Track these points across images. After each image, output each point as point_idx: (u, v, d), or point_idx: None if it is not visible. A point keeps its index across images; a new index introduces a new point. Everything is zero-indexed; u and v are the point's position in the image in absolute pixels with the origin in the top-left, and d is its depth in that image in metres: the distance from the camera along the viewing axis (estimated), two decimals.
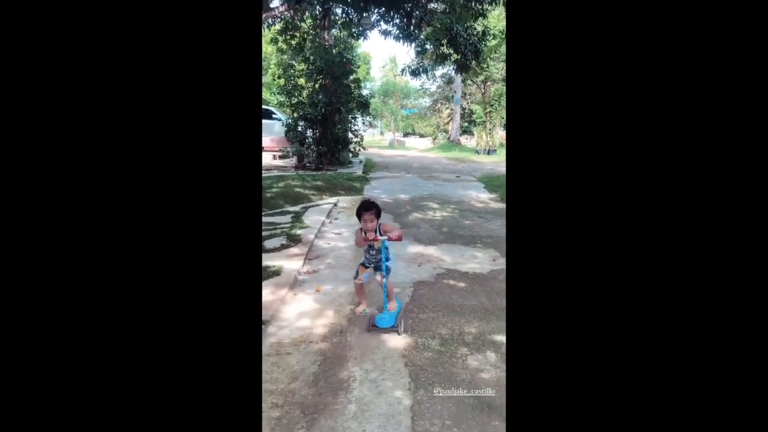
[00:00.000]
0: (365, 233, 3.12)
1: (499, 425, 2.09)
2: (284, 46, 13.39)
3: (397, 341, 2.87)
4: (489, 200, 8.41)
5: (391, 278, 3.18)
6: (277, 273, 3.91)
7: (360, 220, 3.18)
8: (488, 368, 2.59)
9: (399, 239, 3.15)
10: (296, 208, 6.82)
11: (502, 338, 2.94)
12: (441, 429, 2.07)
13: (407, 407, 2.23)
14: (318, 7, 12.20)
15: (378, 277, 3.18)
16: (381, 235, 3.10)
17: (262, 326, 2.97)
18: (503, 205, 7.81)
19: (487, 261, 4.62)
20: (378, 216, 3.15)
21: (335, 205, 7.28)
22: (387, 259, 3.14)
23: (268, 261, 4.18)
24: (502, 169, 13.46)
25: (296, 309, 3.36)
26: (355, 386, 2.40)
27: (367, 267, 3.27)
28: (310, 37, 13.15)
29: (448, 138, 27.01)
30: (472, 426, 2.09)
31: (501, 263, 4.52)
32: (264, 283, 3.67)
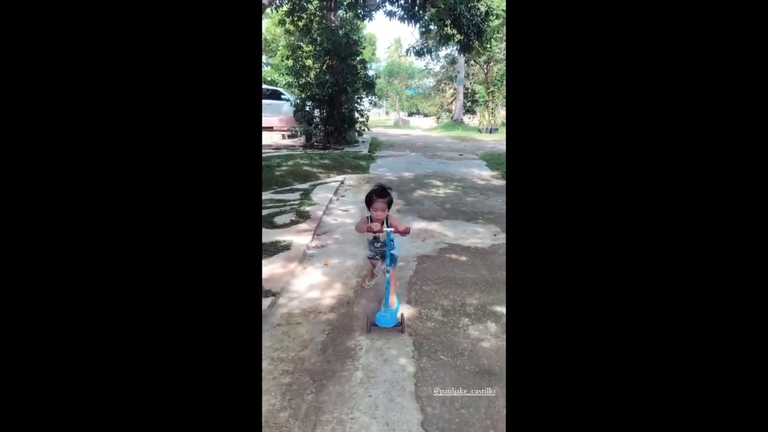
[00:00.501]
0: (371, 220, 2.79)
1: (499, 391, 2.12)
2: (291, 28, 13.20)
3: (402, 312, 2.88)
4: (491, 178, 8.36)
5: (395, 252, 2.91)
6: (287, 247, 3.93)
7: (369, 207, 2.81)
8: (488, 337, 2.61)
9: (406, 233, 2.73)
10: (305, 186, 6.81)
11: (502, 309, 2.95)
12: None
13: (411, 374, 2.25)
14: None
15: (382, 267, 2.87)
16: (387, 227, 2.75)
17: (274, 297, 3.00)
18: (505, 183, 7.77)
19: (488, 236, 4.62)
20: (389, 206, 2.80)
21: (342, 183, 7.27)
22: (392, 248, 2.80)
23: (279, 236, 4.20)
24: (503, 147, 13.34)
25: (306, 282, 3.38)
26: (362, 354, 2.42)
27: (377, 260, 3.03)
28: (317, 18, 12.94)
29: (452, 117, 26.76)
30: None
31: (502, 238, 4.51)
32: (274, 257, 3.69)
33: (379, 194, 2.79)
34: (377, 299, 3.01)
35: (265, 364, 2.29)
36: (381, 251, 2.93)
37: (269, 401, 2.02)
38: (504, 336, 2.62)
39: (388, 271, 2.71)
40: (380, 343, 2.52)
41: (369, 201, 2.81)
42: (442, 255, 4.02)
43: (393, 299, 2.77)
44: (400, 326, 2.61)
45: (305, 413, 1.95)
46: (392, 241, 2.77)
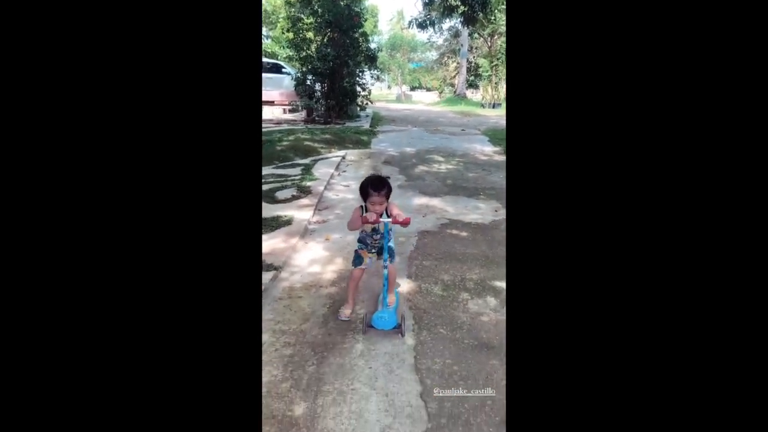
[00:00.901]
0: (366, 211, 2.42)
1: (497, 364, 2.15)
2: None
3: (402, 286, 2.91)
4: (493, 153, 8.32)
5: (397, 229, 2.68)
6: (288, 222, 3.95)
7: (365, 199, 2.42)
8: (488, 312, 2.64)
9: (406, 223, 2.37)
10: (306, 161, 6.79)
11: (501, 284, 2.98)
12: (442, 367, 2.13)
13: (411, 347, 2.29)
14: None
15: (379, 262, 2.53)
16: (387, 217, 2.39)
17: (275, 271, 3.02)
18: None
19: (489, 212, 4.63)
20: (388, 197, 2.41)
21: (343, 158, 7.24)
22: (389, 240, 2.48)
23: (280, 211, 4.21)
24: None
25: (307, 256, 3.41)
26: (362, 327, 2.46)
27: (370, 252, 2.58)
28: None
29: (454, 92, 26.47)
30: (471, 364, 2.15)
31: (503, 214, 4.52)
32: (276, 232, 3.71)
33: (375, 186, 2.37)
34: (377, 275, 3.02)
35: (267, 337, 2.33)
36: (379, 244, 2.54)
37: (271, 372, 2.06)
38: (503, 311, 2.65)
39: (386, 267, 2.43)
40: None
41: (364, 193, 2.40)
42: (442, 230, 4.03)
43: (391, 297, 2.53)
44: (399, 328, 2.37)
45: (307, 384, 1.99)
46: (390, 231, 2.48)
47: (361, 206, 2.46)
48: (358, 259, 2.57)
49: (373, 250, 2.57)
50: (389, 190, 2.41)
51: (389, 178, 2.54)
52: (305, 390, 1.96)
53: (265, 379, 2.01)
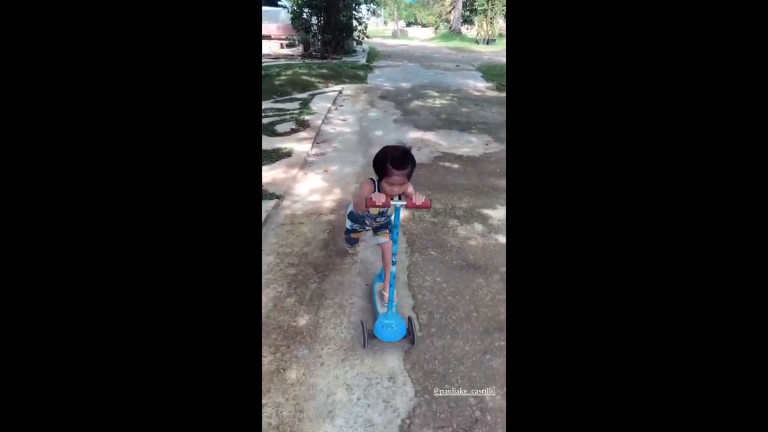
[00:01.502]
0: (378, 190, 1.84)
1: (482, 282, 2.25)
2: None
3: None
4: (486, 89, 8.13)
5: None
6: (288, 154, 3.94)
7: (381, 176, 1.81)
8: (475, 236, 2.72)
9: (426, 207, 1.76)
10: (303, 95, 6.64)
11: (488, 212, 3.04)
12: (432, 284, 2.24)
13: (404, 267, 2.38)
14: None
15: (386, 238, 2.08)
16: (400, 199, 1.76)
17: (278, 200, 3.06)
18: (499, 94, 7.58)
19: (480, 145, 4.61)
20: (410, 176, 1.80)
21: (340, 92, 7.07)
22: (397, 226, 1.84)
23: (280, 144, 4.19)
24: (499, 58, 12.81)
25: (307, 186, 3.43)
26: (360, 250, 2.53)
27: (365, 230, 2.23)
28: None
29: (450, 28, 25.33)
30: (459, 282, 2.26)
31: (493, 147, 4.52)
32: (277, 164, 3.72)
33: (398, 163, 1.74)
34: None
35: (272, 258, 2.41)
36: (378, 225, 2.15)
37: (277, 289, 2.15)
38: (489, 235, 2.73)
39: (394, 262, 1.86)
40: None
41: (382, 169, 1.78)
42: (435, 163, 4.04)
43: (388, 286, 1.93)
44: (411, 335, 1.82)
45: (309, 299, 2.09)
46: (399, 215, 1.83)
47: (372, 180, 1.89)
48: (350, 241, 2.32)
49: (369, 229, 2.21)
50: (413, 166, 1.79)
51: (411, 148, 1.85)
52: (308, 304, 2.06)
53: (271, 294, 2.10)
